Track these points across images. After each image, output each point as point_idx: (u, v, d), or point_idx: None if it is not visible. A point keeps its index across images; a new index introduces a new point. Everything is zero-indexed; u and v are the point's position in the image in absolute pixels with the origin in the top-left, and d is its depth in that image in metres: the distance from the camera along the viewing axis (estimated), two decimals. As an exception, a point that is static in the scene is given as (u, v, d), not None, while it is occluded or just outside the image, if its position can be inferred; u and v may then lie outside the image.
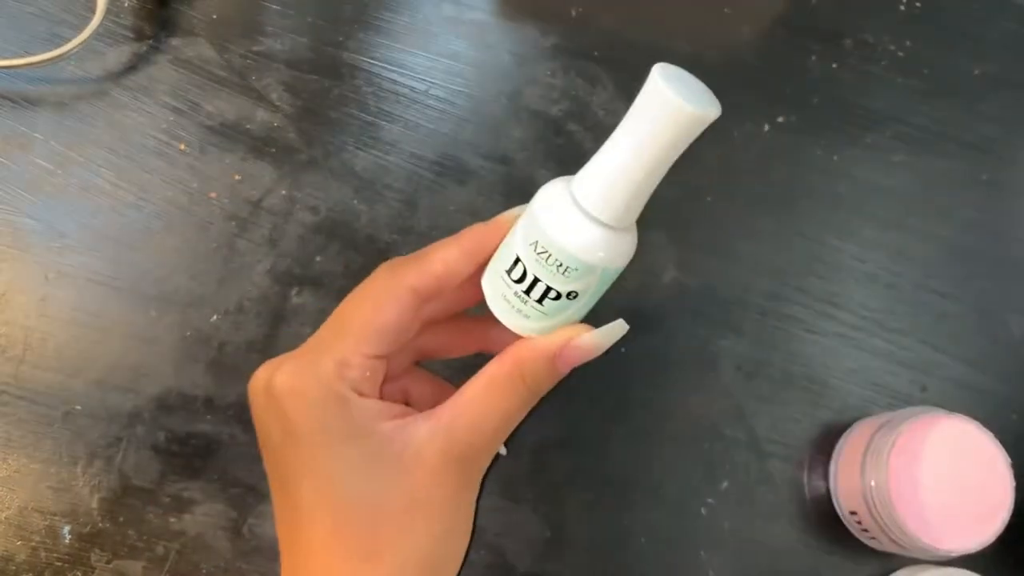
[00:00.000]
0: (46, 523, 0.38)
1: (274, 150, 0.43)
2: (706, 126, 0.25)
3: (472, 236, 0.29)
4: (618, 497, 0.41)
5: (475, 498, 0.29)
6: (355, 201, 0.43)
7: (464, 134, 0.44)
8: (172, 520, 0.39)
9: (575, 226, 0.26)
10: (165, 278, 0.41)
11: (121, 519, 0.39)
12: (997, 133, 0.46)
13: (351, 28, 0.45)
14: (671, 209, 0.43)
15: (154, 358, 0.40)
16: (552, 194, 0.27)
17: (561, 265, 0.26)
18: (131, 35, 0.44)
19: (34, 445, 0.39)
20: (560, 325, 0.28)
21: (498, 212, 0.29)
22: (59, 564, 0.38)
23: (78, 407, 0.39)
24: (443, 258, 0.28)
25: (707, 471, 0.41)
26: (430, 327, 0.31)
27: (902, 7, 0.48)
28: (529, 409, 0.28)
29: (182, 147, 0.43)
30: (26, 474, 0.39)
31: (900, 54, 0.47)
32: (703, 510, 0.41)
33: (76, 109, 0.43)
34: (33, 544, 0.38)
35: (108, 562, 0.38)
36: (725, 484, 0.41)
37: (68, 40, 0.41)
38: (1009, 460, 0.37)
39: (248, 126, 0.43)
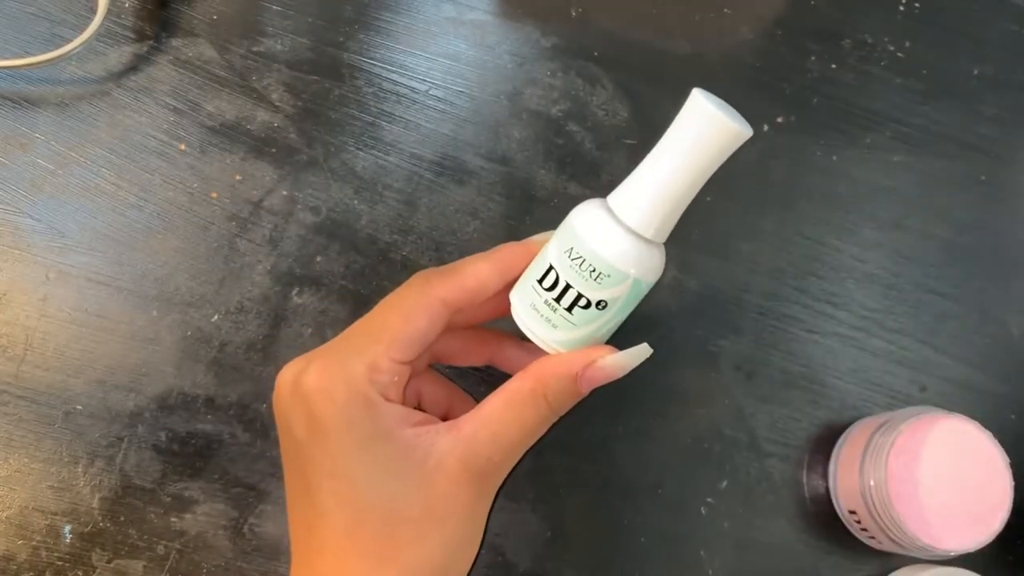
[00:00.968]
0: (47, 522, 0.38)
1: (275, 150, 0.43)
2: (742, 143, 0.26)
3: (504, 254, 0.30)
4: (618, 497, 0.41)
5: (489, 510, 0.29)
6: (355, 201, 0.43)
7: (464, 134, 0.44)
8: (173, 520, 0.39)
9: (611, 235, 0.27)
10: (166, 278, 0.41)
11: (122, 518, 0.39)
12: (996, 133, 0.46)
13: (351, 29, 0.45)
14: (671, 209, 0.43)
15: (155, 358, 0.40)
16: (588, 208, 0.28)
17: (595, 271, 0.27)
18: (132, 35, 0.44)
19: (35, 445, 0.39)
20: (586, 339, 0.28)
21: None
22: (60, 564, 0.38)
23: (79, 407, 0.40)
24: (475, 273, 0.29)
25: (707, 471, 0.41)
26: (447, 333, 0.31)
27: (901, 8, 0.48)
28: (549, 426, 0.29)
29: (183, 147, 0.43)
30: (27, 474, 0.39)
31: (899, 55, 0.47)
32: (703, 509, 0.41)
33: (77, 109, 0.43)
34: (34, 544, 0.38)
35: (109, 561, 0.38)
36: (725, 484, 0.41)
37: (69, 40, 0.42)
38: (1008, 460, 0.38)
39: (249, 126, 0.43)
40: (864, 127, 0.46)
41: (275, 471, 0.40)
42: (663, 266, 0.29)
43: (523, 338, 0.30)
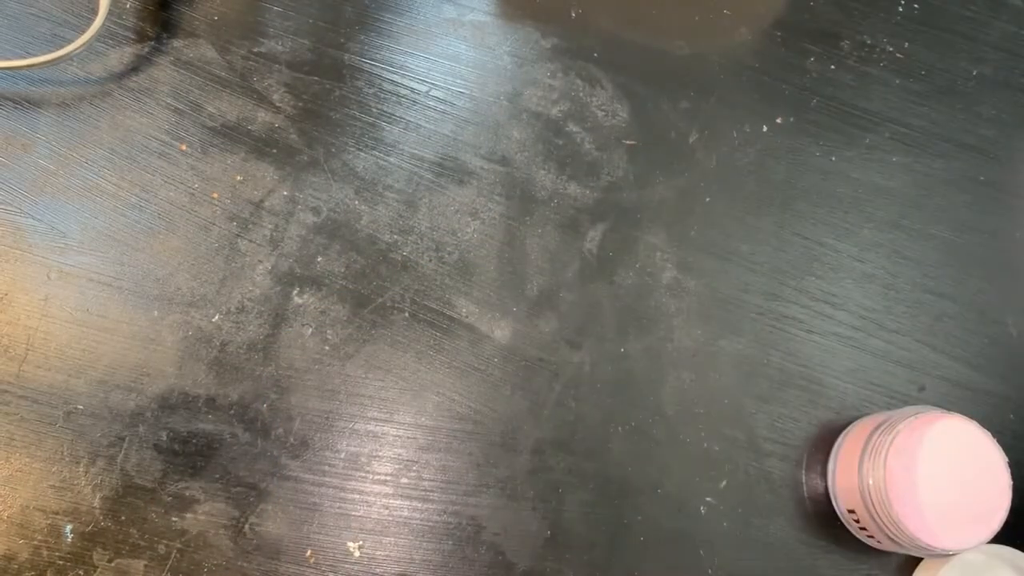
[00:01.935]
0: (48, 522, 0.38)
1: (275, 151, 0.43)
2: None
3: None
4: (618, 497, 0.41)
5: None
6: (356, 202, 0.43)
7: (464, 135, 0.44)
8: (174, 519, 0.39)
9: None
10: (167, 278, 0.41)
11: (123, 518, 0.39)
12: (995, 134, 0.47)
13: (352, 30, 0.45)
14: (671, 209, 0.44)
15: (156, 358, 0.40)
16: None
17: None
18: (133, 36, 0.44)
19: (36, 444, 0.39)
20: None
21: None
22: (61, 563, 0.38)
23: (80, 406, 0.40)
24: None
25: (706, 470, 0.42)
26: None
27: (900, 9, 0.48)
28: None
29: (184, 148, 0.43)
30: (28, 473, 0.39)
31: (898, 55, 0.47)
32: (702, 509, 0.41)
33: (78, 110, 0.43)
34: (35, 543, 0.38)
35: (110, 561, 0.38)
36: (724, 483, 0.41)
37: (70, 41, 0.42)
38: (1006, 459, 0.38)
39: (250, 127, 0.43)
40: (863, 128, 0.46)
41: (275, 470, 0.40)
42: None
43: None
